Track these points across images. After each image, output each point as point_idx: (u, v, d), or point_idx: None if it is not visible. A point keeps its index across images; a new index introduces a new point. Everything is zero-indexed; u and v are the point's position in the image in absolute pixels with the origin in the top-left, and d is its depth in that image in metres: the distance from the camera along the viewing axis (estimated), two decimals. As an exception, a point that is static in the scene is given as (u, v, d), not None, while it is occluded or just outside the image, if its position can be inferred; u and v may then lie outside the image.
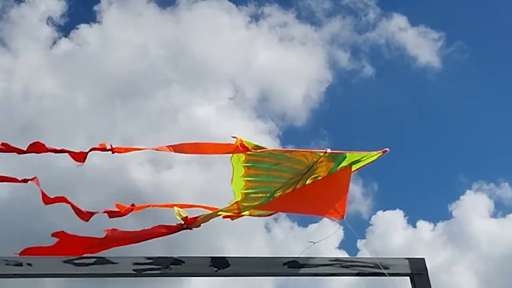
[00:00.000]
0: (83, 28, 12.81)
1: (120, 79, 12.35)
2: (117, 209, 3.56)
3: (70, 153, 3.30)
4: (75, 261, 3.26)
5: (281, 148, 3.76)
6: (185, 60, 13.03)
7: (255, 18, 13.42)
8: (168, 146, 3.36)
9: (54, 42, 12.90)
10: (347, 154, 3.50)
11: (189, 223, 3.53)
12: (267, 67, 13.38)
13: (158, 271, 3.33)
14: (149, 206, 3.89)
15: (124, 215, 3.67)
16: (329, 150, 3.46)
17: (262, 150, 3.48)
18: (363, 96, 13.18)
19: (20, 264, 3.24)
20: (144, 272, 3.32)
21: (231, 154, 3.49)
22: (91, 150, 3.35)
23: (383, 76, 13.20)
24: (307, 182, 3.61)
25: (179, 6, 13.30)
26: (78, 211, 3.56)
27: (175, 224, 3.57)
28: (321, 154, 3.47)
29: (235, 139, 3.38)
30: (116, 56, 12.65)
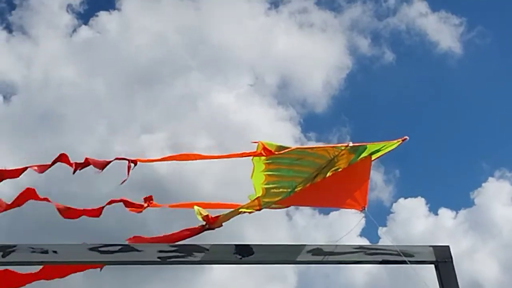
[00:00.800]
0: (103, 16, 12.86)
1: (140, 66, 12.35)
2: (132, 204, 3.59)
3: (93, 162, 3.27)
4: (100, 249, 3.28)
5: (304, 146, 3.71)
6: (204, 47, 13.00)
7: (275, 4, 13.72)
8: (191, 155, 3.38)
9: (74, 30, 12.96)
10: (367, 146, 3.48)
11: (211, 223, 3.52)
12: (287, 53, 13.32)
13: (182, 259, 3.35)
14: (165, 206, 3.89)
15: (140, 212, 3.68)
16: (351, 144, 3.44)
17: (286, 150, 3.45)
18: (384, 82, 13.19)
19: (46, 252, 3.28)
20: (168, 260, 3.34)
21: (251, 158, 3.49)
22: (114, 160, 3.34)
23: (403, 62, 13.18)
24: (328, 175, 3.58)
25: None
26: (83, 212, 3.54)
27: (197, 226, 3.55)
28: (343, 148, 3.44)
29: (256, 144, 3.36)
30: (135, 43, 12.66)
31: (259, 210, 3.62)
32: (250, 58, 13.57)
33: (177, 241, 3.51)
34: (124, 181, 3.34)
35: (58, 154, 3.32)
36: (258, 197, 3.61)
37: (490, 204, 12.76)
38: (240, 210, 3.57)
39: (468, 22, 13.38)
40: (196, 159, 3.42)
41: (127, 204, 3.67)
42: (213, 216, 3.53)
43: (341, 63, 13.25)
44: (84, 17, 13.24)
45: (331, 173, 3.60)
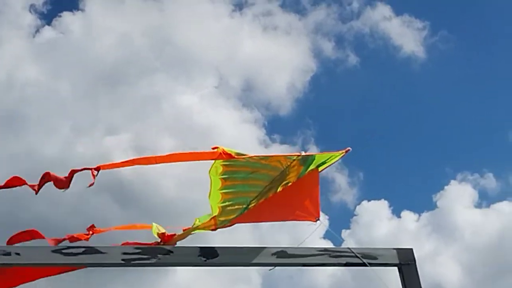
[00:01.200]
0: (66, 16, 12.84)
1: (104, 67, 12.36)
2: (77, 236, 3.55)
3: (54, 181, 3.16)
4: (63, 251, 3.26)
5: (261, 154, 3.71)
6: (169, 49, 13.02)
7: (239, 6, 13.70)
8: (152, 158, 3.35)
9: (37, 30, 12.92)
10: (316, 156, 3.53)
11: (166, 241, 3.53)
12: (251, 56, 13.44)
13: (146, 261, 3.34)
14: (110, 229, 3.84)
15: (87, 239, 3.62)
16: (303, 153, 3.47)
17: (246, 156, 3.45)
18: (348, 86, 13.23)
19: (9, 254, 3.26)
20: (132, 262, 3.32)
21: (209, 167, 3.48)
22: (74, 172, 3.21)
23: (367, 65, 13.26)
24: (279, 190, 3.63)
25: None
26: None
27: (151, 242, 3.54)
28: (294, 158, 3.47)
29: (216, 149, 3.36)
30: (99, 44, 12.60)
31: (214, 230, 3.65)
32: (215, 60, 13.58)
33: None
34: (91, 185, 3.30)
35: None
36: (214, 216, 3.63)
37: (453, 207, 13.06)
38: (196, 230, 3.60)
39: (431, 26, 13.41)
40: (157, 163, 3.40)
41: (72, 238, 3.61)
42: (168, 234, 3.54)
43: (305, 66, 13.33)
44: (47, 17, 13.05)
45: (281, 188, 3.64)
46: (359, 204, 12.56)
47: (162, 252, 3.34)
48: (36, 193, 3.21)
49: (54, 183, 3.17)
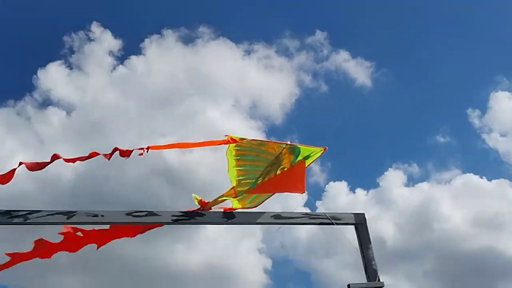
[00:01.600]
0: (133, 58, 18.66)
1: (158, 93, 18.29)
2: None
3: (120, 151, 4.44)
4: (133, 214, 4.79)
5: (257, 138, 5.21)
6: (201, 80, 19.02)
7: (248, 52, 19.71)
8: (185, 143, 4.83)
9: (114, 68, 18.60)
10: (300, 148, 4.97)
11: (203, 206, 4.90)
12: (256, 85, 19.74)
13: (188, 220, 4.87)
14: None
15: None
16: (288, 142, 4.94)
17: (246, 139, 4.90)
18: (320, 105, 19.83)
19: (96, 215, 4.76)
20: (178, 221, 4.88)
21: (226, 149, 4.96)
22: (134, 149, 4.50)
23: (334, 91, 19.80)
24: (278, 172, 5.06)
25: (197, 43, 19.24)
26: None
27: (194, 209, 4.86)
28: (284, 146, 4.93)
29: (226, 136, 4.83)
30: (155, 77, 18.59)
31: (235, 197, 5.08)
32: (232, 87, 19.77)
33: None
34: (141, 154, 4.56)
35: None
36: (233, 187, 5.07)
37: (389, 186, 17.98)
38: (223, 197, 5.02)
39: (376, 65, 19.56)
40: (188, 147, 4.89)
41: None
42: (205, 201, 4.92)
43: (292, 92, 19.36)
44: (121, 59, 18.96)
45: (280, 171, 5.07)
46: (327, 183, 17.63)
47: (198, 215, 4.90)
48: (108, 159, 4.49)
49: (120, 153, 4.47)
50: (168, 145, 4.94)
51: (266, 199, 5.30)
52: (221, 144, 4.96)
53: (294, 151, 5.06)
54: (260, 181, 5.12)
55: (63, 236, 4.88)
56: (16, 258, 4.73)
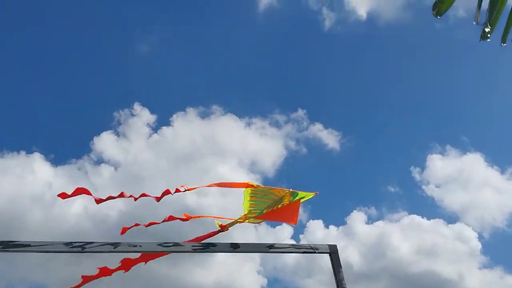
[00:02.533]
0: (164, 129, 24.36)
1: (183, 153, 23.15)
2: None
3: (166, 192, 6.29)
4: (163, 244, 6.36)
5: (269, 186, 6.89)
6: (214, 144, 24.19)
7: (248, 124, 25.83)
8: (213, 184, 6.51)
9: (150, 135, 23.88)
10: (298, 193, 6.69)
11: (222, 228, 6.70)
12: (254, 148, 25.11)
13: (203, 250, 6.42)
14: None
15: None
16: (291, 190, 6.68)
17: (260, 186, 6.66)
18: (302, 163, 24.91)
19: (135, 246, 6.32)
20: (197, 250, 6.39)
21: (244, 189, 6.68)
22: (167, 192, 6.33)
23: (311, 153, 25.09)
24: (279, 206, 6.80)
25: (211, 118, 24.85)
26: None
27: (215, 230, 6.64)
28: (287, 191, 6.65)
29: (247, 182, 6.57)
30: (181, 142, 23.63)
31: (245, 221, 6.81)
32: (237, 150, 25.04)
33: (204, 239, 6.65)
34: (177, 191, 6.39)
35: (140, 194, 6.40)
36: (245, 214, 6.68)
37: (354, 223, 23.38)
38: (237, 221, 6.66)
39: (343, 133, 25.65)
40: (217, 186, 6.55)
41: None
42: (223, 224, 6.61)
43: (281, 153, 24.83)
44: (155, 129, 23.94)
45: (280, 206, 6.78)
46: (308, 221, 21.69)
47: (212, 245, 6.46)
48: (158, 201, 6.18)
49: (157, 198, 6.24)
50: (203, 186, 6.64)
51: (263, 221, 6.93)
52: (242, 187, 6.66)
53: (293, 194, 6.68)
54: (265, 211, 6.73)
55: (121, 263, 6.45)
56: (87, 278, 6.27)
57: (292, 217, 6.69)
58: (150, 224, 6.29)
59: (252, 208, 6.75)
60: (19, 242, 5.92)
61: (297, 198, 6.69)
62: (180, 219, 6.66)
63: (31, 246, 5.92)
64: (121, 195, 6.30)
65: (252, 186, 6.57)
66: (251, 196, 6.70)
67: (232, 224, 6.67)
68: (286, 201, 6.71)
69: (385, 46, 30.61)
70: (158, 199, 6.17)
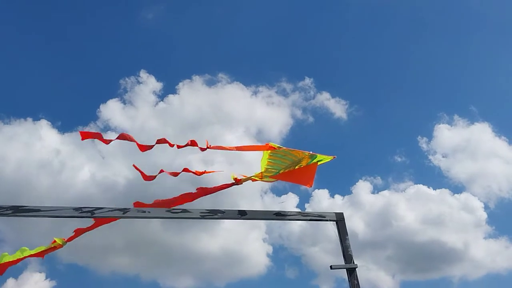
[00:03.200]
0: (170, 97, 24.85)
1: (189, 120, 24.07)
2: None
3: (193, 143, 6.25)
4: (172, 211, 6.40)
5: (290, 148, 6.61)
6: (220, 112, 25.10)
7: (255, 92, 26.06)
8: (236, 147, 6.49)
9: (156, 103, 24.60)
10: (317, 155, 6.55)
11: (237, 181, 6.54)
12: (260, 116, 25.49)
13: (212, 216, 6.44)
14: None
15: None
16: (311, 152, 6.56)
17: (281, 147, 6.51)
18: (308, 132, 25.32)
19: (144, 211, 6.37)
20: (205, 216, 6.45)
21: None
22: (192, 145, 6.31)
23: (318, 122, 25.61)
24: (296, 167, 6.60)
25: (218, 86, 25.40)
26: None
27: (230, 183, 6.54)
28: (307, 153, 6.48)
29: (267, 144, 6.43)
30: (187, 109, 24.67)
31: (261, 179, 6.68)
32: (243, 118, 25.58)
33: (217, 191, 6.50)
34: (203, 149, 6.39)
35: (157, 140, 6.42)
36: (261, 172, 6.61)
37: (360, 193, 22.95)
38: (252, 176, 6.56)
39: (350, 103, 25.66)
40: (236, 150, 6.50)
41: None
42: (238, 178, 6.49)
43: (287, 122, 24.95)
44: (161, 97, 24.85)
45: (297, 167, 6.60)
46: (313, 191, 21.43)
47: (219, 212, 6.49)
48: (178, 147, 6.25)
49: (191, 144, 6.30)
50: (225, 147, 6.62)
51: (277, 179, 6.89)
52: (263, 149, 6.62)
53: (312, 156, 6.61)
54: (281, 171, 6.67)
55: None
56: (100, 220, 6.28)
57: (308, 180, 6.68)
58: (173, 173, 6.38)
59: (269, 167, 6.69)
60: (29, 207, 5.98)
61: (315, 160, 6.63)
62: (195, 172, 6.65)
63: (41, 211, 5.97)
64: (163, 140, 6.48)
65: (273, 148, 6.51)
66: (270, 155, 6.65)
67: (246, 179, 6.64)
68: (303, 163, 6.65)
69: (394, 14, 30.18)
70: (191, 145, 6.39)
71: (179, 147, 6.31)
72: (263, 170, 6.71)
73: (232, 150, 6.54)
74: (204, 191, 6.63)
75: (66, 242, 6.23)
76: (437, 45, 29.30)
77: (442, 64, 29.10)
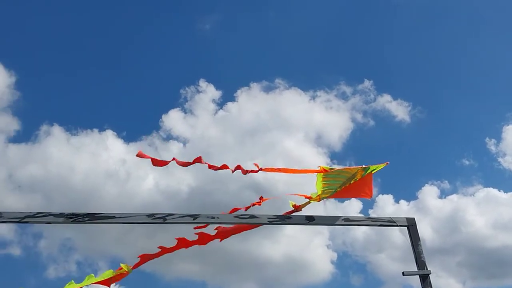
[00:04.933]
0: (229, 104, 25.33)
1: (249, 127, 24.39)
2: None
3: (242, 170, 6.19)
4: (240, 216, 6.45)
5: (342, 167, 6.76)
6: (279, 118, 25.26)
7: (313, 97, 26.07)
8: (288, 169, 6.50)
9: (216, 112, 25.20)
10: (370, 167, 6.45)
11: (296, 208, 6.59)
12: (320, 121, 25.53)
13: (280, 222, 6.49)
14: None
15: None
16: (364, 166, 6.54)
17: (333, 169, 6.49)
18: (369, 136, 25.06)
19: (213, 217, 6.47)
20: (273, 222, 6.49)
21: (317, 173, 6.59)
22: (241, 170, 6.27)
23: (379, 126, 25.23)
24: (351, 182, 6.57)
25: (275, 92, 25.35)
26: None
27: (290, 210, 6.58)
28: (359, 168, 6.42)
29: (319, 167, 6.48)
30: (246, 116, 25.04)
31: (319, 201, 6.78)
32: (302, 123, 25.68)
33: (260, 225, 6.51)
34: (256, 171, 6.41)
35: (195, 158, 6.48)
36: (319, 195, 6.62)
37: (426, 198, 22.76)
38: (311, 201, 6.63)
39: (413, 104, 25.25)
40: (291, 172, 6.54)
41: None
42: (297, 205, 6.66)
43: (347, 126, 24.86)
44: (220, 105, 25.13)
45: (353, 181, 6.60)
46: (377, 196, 20.92)
47: (287, 218, 6.52)
48: (232, 172, 6.19)
49: (242, 172, 6.27)
50: (276, 169, 6.57)
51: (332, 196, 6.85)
52: (316, 172, 6.54)
53: (366, 169, 6.53)
54: (338, 190, 6.68)
55: (197, 235, 6.62)
56: (164, 250, 6.48)
57: (366, 191, 6.60)
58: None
59: (325, 188, 6.67)
60: (105, 214, 6.20)
61: (368, 171, 6.55)
62: (208, 165, 6.49)
63: (116, 217, 6.18)
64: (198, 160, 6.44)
65: (325, 171, 6.44)
66: (324, 177, 6.61)
67: (305, 204, 6.65)
68: (358, 177, 6.59)
69: (455, 14, 29.31)
70: (232, 171, 6.26)
71: (216, 169, 6.27)
72: (320, 193, 6.67)
73: (284, 172, 6.50)
74: (241, 228, 6.66)
75: (132, 269, 6.27)
76: (501, 42, 28.23)
77: (508, 62, 28.02)
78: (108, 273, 6.19)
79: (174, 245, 6.46)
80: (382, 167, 6.59)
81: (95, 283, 6.20)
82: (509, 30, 28.40)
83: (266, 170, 6.27)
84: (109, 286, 6.15)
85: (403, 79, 29.07)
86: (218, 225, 6.57)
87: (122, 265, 6.24)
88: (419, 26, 29.12)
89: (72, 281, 6.15)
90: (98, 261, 20.55)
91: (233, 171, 6.27)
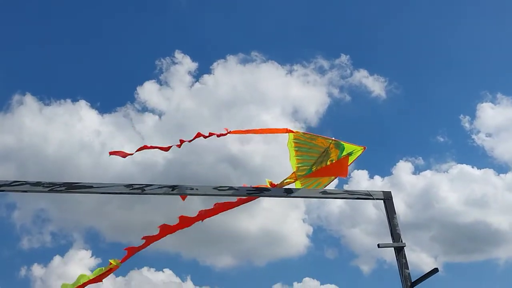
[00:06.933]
0: (205, 77, 25.08)
1: (225, 100, 24.56)
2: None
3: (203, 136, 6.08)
4: (219, 188, 6.42)
5: (309, 133, 6.67)
6: (255, 91, 25.49)
7: (290, 71, 25.86)
8: (255, 130, 6.48)
9: (192, 84, 25.06)
10: (343, 145, 6.44)
11: (273, 186, 6.53)
12: (297, 96, 25.51)
13: (258, 194, 6.44)
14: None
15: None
16: (334, 139, 6.47)
17: (299, 132, 6.46)
18: (345, 111, 25.48)
19: (192, 189, 6.46)
20: (251, 194, 6.44)
21: (287, 141, 6.49)
22: (210, 134, 6.16)
23: (355, 101, 25.37)
24: (328, 163, 6.58)
25: (252, 65, 25.47)
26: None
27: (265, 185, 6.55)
28: (330, 141, 6.43)
29: (286, 128, 6.41)
30: (222, 89, 25.02)
31: (296, 180, 6.71)
32: (279, 97, 25.76)
33: (244, 203, 6.48)
34: (221, 135, 6.27)
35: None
36: (294, 172, 6.62)
37: (400, 173, 22.92)
38: (286, 180, 6.60)
39: (389, 80, 25.28)
40: (254, 133, 6.48)
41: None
42: (274, 183, 6.53)
43: (324, 101, 24.96)
44: (196, 77, 25.22)
45: (329, 162, 6.58)
46: (352, 171, 20.78)
47: (265, 190, 6.52)
48: (205, 138, 6.13)
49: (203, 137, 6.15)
50: (244, 130, 6.59)
51: (320, 186, 6.94)
52: (282, 132, 6.59)
53: (339, 146, 6.54)
54: (314, 169, 6.72)
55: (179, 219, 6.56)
56: (149, 240, 6.40)
57: (341, 171, 6.67)
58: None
59: (300, 165, 6.70)
60: (82, 184, 6.13)
61: (344, 153, 6.58)
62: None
63: (94, 187, 6.12)
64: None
65: (291, 131, 6.47)
66: (296, 151, 6.63)
67: (282, 184, 6.66)
68: (333, 156, 6.62)
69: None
70: (191, 140, 6.22)
71: (190, 141, 6.23)
72: (295, 170, 6.71)
73: (251, 133, 6.59)
74: (228, 205, 6.66)
75: (121, 262, 6.39)
76: (479, 22, 28.37)
77: (484, 41, 28.26)
78: (98, 271, 6.38)
79: (157, 233, 6.46)
80: (360, 153, 6.63)
81: (88, 282, 6.32)
82: (486, 10, 28.62)
83: (235, 132, 6.33)
84: (102, 281, 6.38)
85: (380, 54, 28.93)
86: (196, 196, 6.55)
87: (111, 260, 6.40)
88: (398, 2, 29.15)
89: (67, 283, 6.31)
90: (73, 232, 20.46)
91: (205, 137, 6.28)
